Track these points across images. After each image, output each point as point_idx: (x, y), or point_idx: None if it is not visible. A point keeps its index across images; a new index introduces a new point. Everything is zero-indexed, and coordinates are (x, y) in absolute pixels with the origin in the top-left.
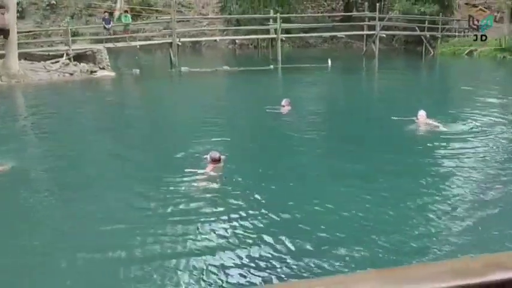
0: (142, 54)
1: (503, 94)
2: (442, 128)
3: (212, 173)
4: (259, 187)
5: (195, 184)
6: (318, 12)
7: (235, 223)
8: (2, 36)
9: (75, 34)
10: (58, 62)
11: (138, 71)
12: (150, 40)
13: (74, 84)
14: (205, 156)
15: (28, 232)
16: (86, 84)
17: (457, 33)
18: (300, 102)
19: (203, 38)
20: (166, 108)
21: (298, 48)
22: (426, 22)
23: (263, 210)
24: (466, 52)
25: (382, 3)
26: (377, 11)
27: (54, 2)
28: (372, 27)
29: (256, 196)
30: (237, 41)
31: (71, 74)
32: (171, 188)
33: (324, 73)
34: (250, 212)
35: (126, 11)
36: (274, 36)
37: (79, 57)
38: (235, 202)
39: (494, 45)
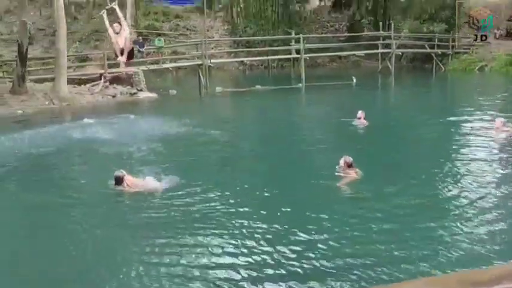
0: (153, 76)
1: None
2: None
3: (357, 176)
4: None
5: (348, 192)
6: (322, 33)
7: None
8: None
9: (83, 60)
10: (97, 84)
11: (175, 91)
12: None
13: (130, 105)
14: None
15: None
16: (141, 105)
17: (464, 50)
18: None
19: (232, 59)
20: (261, 125)
21: (307, 68)
22: (436, 40)
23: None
24: (477, 68)
25: (389, 23)
26: (392, 30)
27: None
28: (384, 46)
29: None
30: (246, 62)
31: (113, 96)
32: (322, 191)
33: (352, 90)
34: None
35: (159, 35)
36: (296, 56)
37: (112, 80)
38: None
39: (505, 61)
